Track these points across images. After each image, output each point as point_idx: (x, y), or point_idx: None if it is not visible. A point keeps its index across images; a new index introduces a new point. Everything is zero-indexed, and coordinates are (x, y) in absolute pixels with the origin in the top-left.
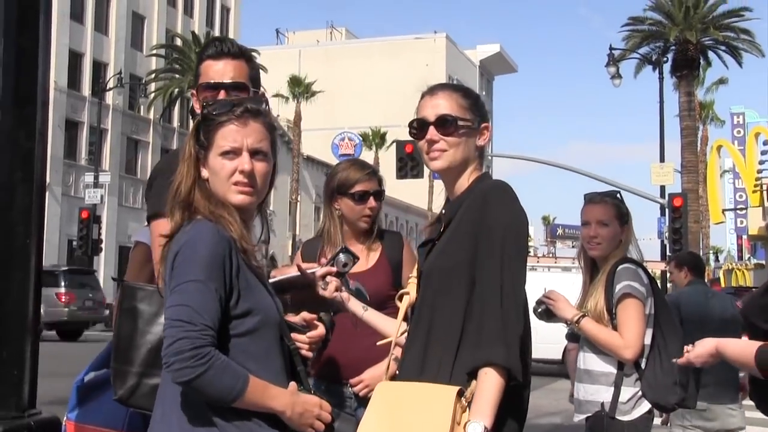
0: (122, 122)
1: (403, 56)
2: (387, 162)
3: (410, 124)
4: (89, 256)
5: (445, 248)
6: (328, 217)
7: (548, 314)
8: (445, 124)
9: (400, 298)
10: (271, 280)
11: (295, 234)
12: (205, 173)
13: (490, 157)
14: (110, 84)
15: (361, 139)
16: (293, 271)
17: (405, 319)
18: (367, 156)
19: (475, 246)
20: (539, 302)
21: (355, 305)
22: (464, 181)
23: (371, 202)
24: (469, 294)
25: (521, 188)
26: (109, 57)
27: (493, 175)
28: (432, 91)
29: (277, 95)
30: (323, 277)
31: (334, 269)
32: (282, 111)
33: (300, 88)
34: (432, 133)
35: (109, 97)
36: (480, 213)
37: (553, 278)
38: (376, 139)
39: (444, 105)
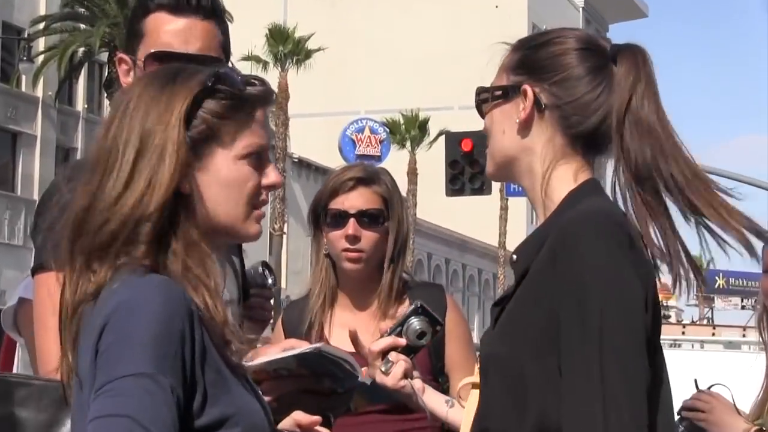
0: None
1: None
2: (431, 168)
3: None
4: None
5: (506, 323)
6: (314, 259)
7: (696, 429)
8: (478, 103)
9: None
10: (253, 363)
11: (279, 288)
12: (187, 186)
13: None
14: None
15: (388, 130)
16: (286, 349)
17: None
18: (399, 157)
19: (544, 325)
20: (682, 417)
21: (435, 399)
22: (537, 192)
23: (351, 227)
24: (543, 404)
25: None
26: None
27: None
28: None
29: (248, 58)
30: (383, 354)
31: (403, 341)
32: None
33: (287, 47)
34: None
35: None
36: (556, 269)
37: (710, 360)
38: (411, 129)
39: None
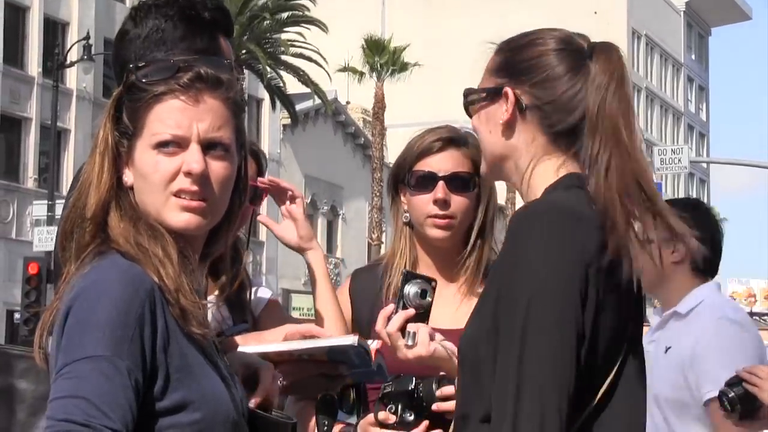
0: (94, 117)
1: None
2: None
3: None
4: None
5: (473, 313)
6: (394, 227)
7: (746, 402)
8: (465, 105)
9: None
10: (285, 348)
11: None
12: (128, 177)
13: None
14: (72, 56)
15: None
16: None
17: None
18: None
19: (493, 310)
20: (731, 384)
21: None
22: (524, 191)
23: (441, 189)
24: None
25: None
26: (71, 12)
27: (710, 194)
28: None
29: (345, 69)
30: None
31: (412, 311)
32: (354, 94)
33: (383, 58)
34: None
35: (71, 77)
36: (502, 267)
37: None
38: None
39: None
